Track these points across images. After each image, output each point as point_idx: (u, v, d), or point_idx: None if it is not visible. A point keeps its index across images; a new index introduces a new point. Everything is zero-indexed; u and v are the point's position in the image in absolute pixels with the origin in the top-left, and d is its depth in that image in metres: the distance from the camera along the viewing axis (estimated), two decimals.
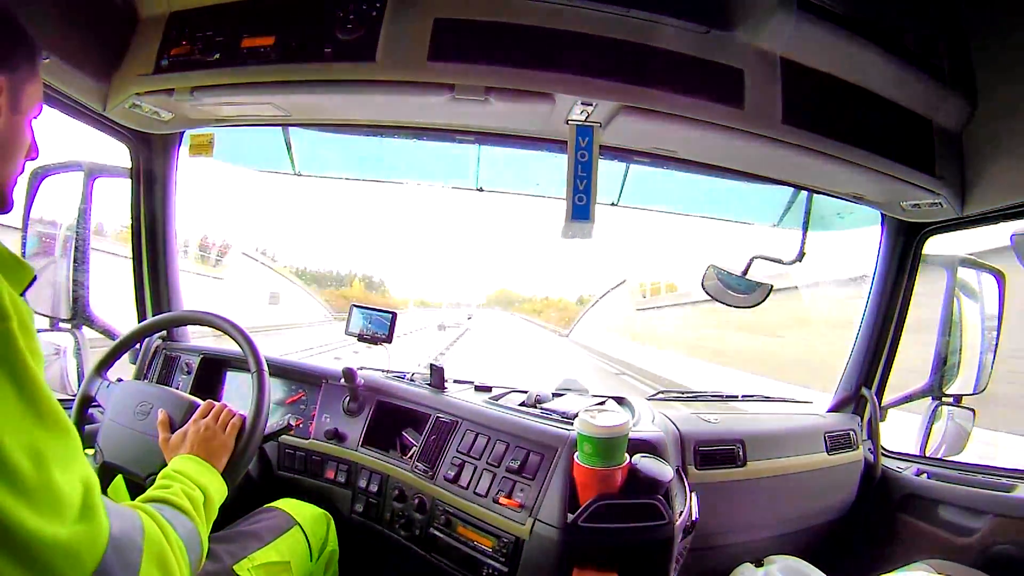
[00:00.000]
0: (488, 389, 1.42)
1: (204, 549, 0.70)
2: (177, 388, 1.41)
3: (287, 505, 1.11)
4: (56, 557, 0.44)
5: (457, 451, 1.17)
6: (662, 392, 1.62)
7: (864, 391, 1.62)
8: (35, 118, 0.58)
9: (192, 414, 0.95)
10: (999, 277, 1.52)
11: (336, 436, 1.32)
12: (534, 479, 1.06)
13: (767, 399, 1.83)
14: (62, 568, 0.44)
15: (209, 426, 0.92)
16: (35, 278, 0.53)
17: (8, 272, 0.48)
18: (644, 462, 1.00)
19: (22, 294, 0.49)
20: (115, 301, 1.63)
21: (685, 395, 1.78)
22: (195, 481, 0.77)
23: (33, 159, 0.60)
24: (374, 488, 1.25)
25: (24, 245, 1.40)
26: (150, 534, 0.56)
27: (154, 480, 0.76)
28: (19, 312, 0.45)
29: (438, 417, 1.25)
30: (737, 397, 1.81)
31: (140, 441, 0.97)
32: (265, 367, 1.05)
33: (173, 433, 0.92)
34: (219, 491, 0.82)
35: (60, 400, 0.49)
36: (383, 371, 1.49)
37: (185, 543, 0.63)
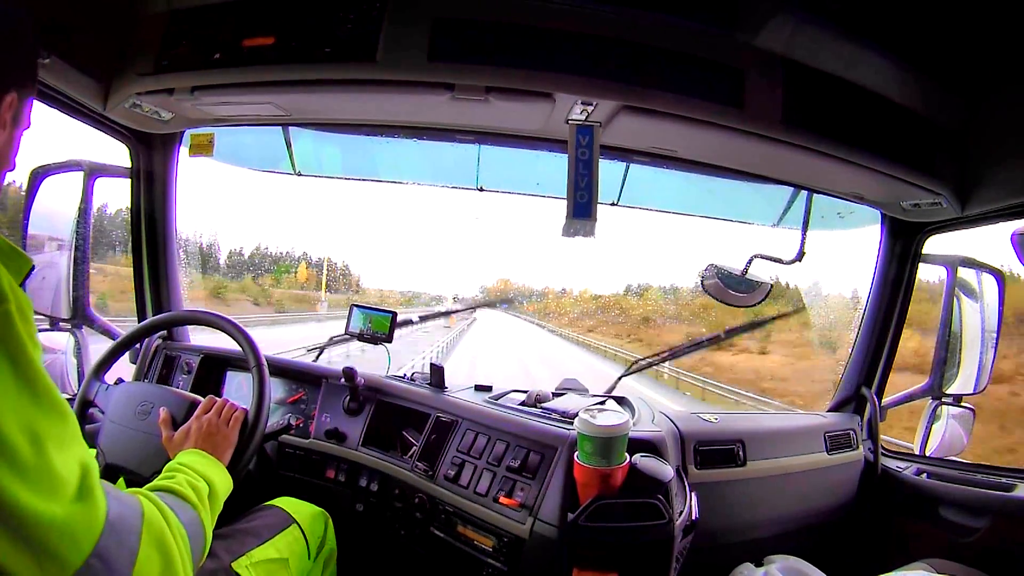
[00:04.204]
0: (488, 388, 1.42)
1: (208, 539, 0.70)
2: (178, 388, 1.41)
3: (285, 503, 1.11)
4: (51, 535, 0.44)
5: (457, 450, 1.17)
6: (635, 363, 1.58)
7: (864, 391, 1.61)
8: (25, 130, 0.59)
9: (193, 411, 0.96)
10: (999, 277, 1.52)
11: (336, 436, 1.31)
12: (534, 478, 1.06)
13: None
14: (57, 546, 0.44)
15: (212, 421, 0.92)
16: (33, 268, 0.53)
17: (7, 261, 0.48)
18: (644, 461, 1.00)
19: (21, 285, 0.49)
20: None
21: (657, 357, 1.64)
22: (200, 473, 0.77)
23: (10, 170, 0.60)
24: (374, 488, 1.25)
25: (24, 244, 1.40)
26: (150, 519, 0.56)
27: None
28: (17, 297, 0.45)
29: (438, 416, 1.25)
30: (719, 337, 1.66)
31: (142, 441, 0.97)
32: (264, 362, 1.06)
33: (176, 431, 0.92)
34: (224, 484, 0.82)
35: None
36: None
37: (187, 530, 0.63)
